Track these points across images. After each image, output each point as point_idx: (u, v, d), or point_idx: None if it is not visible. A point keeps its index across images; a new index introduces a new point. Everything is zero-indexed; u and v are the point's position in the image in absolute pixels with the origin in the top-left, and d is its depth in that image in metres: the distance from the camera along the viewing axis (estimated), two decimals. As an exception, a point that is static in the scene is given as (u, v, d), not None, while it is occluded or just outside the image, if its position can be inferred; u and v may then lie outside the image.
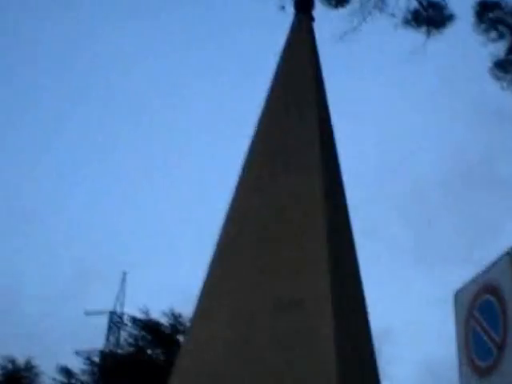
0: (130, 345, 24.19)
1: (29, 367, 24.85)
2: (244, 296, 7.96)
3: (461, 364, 5.12)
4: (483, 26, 12.62)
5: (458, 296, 5.27)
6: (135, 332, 24.16)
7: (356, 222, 9.06)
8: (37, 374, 24.76)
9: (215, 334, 7.84)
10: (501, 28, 12.70)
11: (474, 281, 5.17)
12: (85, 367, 23.72)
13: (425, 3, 12.90)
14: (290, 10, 10.65)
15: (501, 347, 4.80)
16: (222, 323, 7.88)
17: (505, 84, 12.69)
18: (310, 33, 10.22)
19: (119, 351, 24.36)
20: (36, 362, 25.01)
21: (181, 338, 21.30)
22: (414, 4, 12.91)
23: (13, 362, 24.81)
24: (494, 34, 12.68)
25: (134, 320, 24.19)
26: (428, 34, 12.88)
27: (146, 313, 24.08)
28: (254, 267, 8.09)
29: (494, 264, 5.00)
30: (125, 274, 27.88)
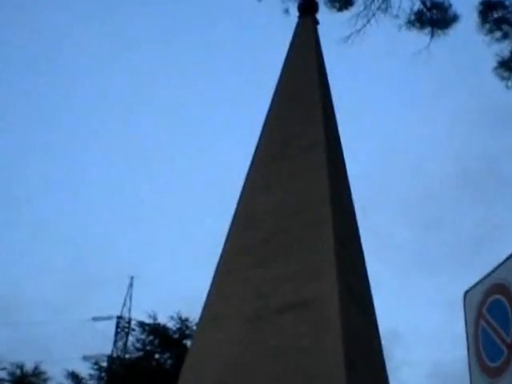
0: (137, 349, 24.15)
1: (37, 373, 24.84)
2: (251, 299, 7.95)
3: (470, 365, 5.09)
4: (487, 25, 12.60)
5: (467, 296, 5.25)
6: (143, 337, 24.12)
7: (362, 225, 9.07)
8: (45, 380, 24.75)
9: (222, 338, 7.84)
10: (505, 28, 12.68)
11: (483, 280, 5.14)
12: (93, 372, 23.71)
13: (428, 4, 12.88)
14: (294, 13, 10.68)
15: (511, 348, 4.78)
16: (229, 326, 7.88)
17: (509, 83, 12.67)
18: (314, 35, 10.24)
19: (127, 356, 24.34)
20: (44, 367, 25.02)
21: (188, 342, 21.28)
22: (418, 5, 12.89)
23: (21, 367, 24.80)
24: (498, 34, 12.67)
25: (142, 325, 24.14)
26: (432, 34, 12.86)
27: (154, 317, 24.06)
28: (262, 270, 8.09)
29: (503, 263, 4.98)
30: (132, 278, 27.83)
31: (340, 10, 12.90)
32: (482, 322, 5.02)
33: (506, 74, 12.65)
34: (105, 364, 24.33)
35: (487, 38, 12.62)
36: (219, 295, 8.24)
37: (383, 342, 8.36)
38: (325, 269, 7.72)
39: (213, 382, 7.51)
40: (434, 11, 12.91)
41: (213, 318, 8.09)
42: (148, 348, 23.81)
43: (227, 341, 7.77)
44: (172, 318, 23.82)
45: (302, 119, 9.26)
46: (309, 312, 7.51)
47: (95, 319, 25.54)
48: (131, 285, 26.97)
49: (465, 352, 5.22)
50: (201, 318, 8.32)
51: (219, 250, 8.60)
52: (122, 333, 25.19)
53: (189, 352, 8.40)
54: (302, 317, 7.50)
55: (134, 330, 25.18)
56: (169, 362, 22.91)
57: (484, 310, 5.03)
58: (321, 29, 10.39)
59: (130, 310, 25.96)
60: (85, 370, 23.94)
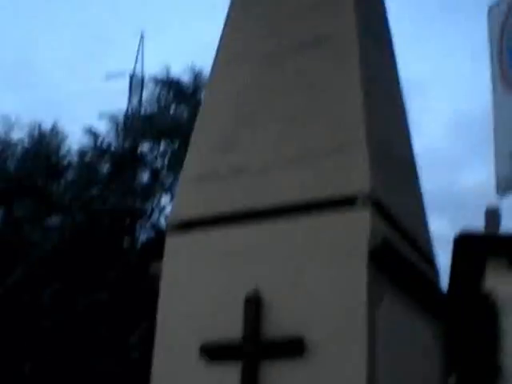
0: (152, 104, 24.18)
1: (55, 132, 25.01)
2: (266, 37, 7.74)
3: (494, 79, 5.03)
4: None
5: (492, 10, 5.09)
6: (157, 91, 24.06)
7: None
8: (63, 138, 24.99)
9: (236, 82, 7.67)
10: None
11: (508, -6, 4.95)
12: (109, 128, 23.83)
13: None
14: None
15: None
16: (243, 69, 7.70)
17: None
18: None
19: (142, 112, 24.35)
20: (61, 126, 25.14)
21: (203, 94, 21.25)
22: None
23: (39, 126, 24.91)
24: None
25: (156, 80, 23.99)
26: None
27: (167, 71, 23.82)
28: (276, 5, 7.82)
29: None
30: (142, 33, 27.19)
31: None
32: (507, 34, 4.87)
33: None
34: (121, 120, 24.41)
35: None
36: (232, 36, 7.99)
37: (406, 94, 8.25)
38: (343, 4, 7.43)
39: (234, 123, 7.45)
40: None
41: (226, 62, 7.88)
42: (163, 103, 23.87)
43: (241, 85, 7.61)
44: (185, 71, 23.66)
45: None
46: (326, 49, 7.32)
47: (108, 76, 25.29)
48: (142, 39, 26.36)
49: (485, 101, 5.13)
50: (214, 62, 8.09)
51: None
52: (137, 88, 25.11)
53: (203, 103, 8.27)
54: (319, 54, 7.33)
55: (147, 86, 25.07)
56: (184, 114, 23.01)
57: (509, 22, 4.86)
58: None
59: (142, 66, 25.66)
60: (102, 127, 24.13)
